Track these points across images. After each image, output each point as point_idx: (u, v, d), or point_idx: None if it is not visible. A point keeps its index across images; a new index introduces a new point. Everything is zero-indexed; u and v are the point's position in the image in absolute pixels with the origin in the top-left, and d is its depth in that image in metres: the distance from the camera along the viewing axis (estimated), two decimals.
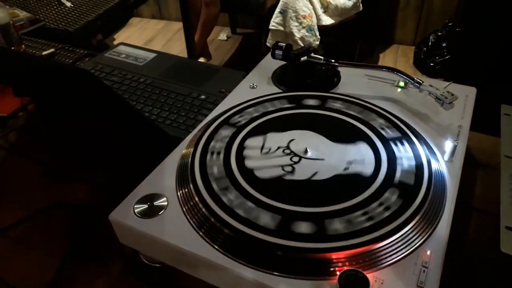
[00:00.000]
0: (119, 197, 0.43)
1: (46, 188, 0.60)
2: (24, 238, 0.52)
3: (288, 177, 0.43)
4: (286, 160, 0.46)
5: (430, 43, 2.04)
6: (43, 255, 0.50)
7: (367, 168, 0.44)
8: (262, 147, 0.47)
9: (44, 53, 0.86)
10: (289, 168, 0.44)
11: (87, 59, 0.82)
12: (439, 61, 1.98)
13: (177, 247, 0.38)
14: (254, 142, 0.48)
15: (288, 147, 0.47)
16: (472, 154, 0.58)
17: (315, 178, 0.43)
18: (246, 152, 0.47)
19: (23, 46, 0.89)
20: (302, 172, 0.44)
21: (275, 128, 0.50)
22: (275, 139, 0.48)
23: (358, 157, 0.45)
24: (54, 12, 1.25)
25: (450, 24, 2.00)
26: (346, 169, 0.44)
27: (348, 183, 0.43)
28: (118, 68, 0.75)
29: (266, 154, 0.46)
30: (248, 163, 0.45)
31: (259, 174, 0.44)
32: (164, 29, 2.71)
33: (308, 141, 0.48)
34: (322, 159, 0.45)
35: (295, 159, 0.46)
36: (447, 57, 1.96)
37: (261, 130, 0.50)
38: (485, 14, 1.07)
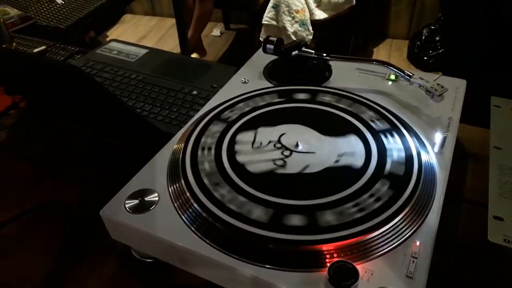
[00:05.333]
0: (111, 194, 0.43)
1: (38, 186, 0.59)
2: (16, 237, 0.52)
3: (279, 171, 0.44)
4: (277, 154, 0.46)
5: (423, 37, 2.04)
6: (36, 253, 0.50)
7: (358, 161, 0.44)
8: (253, 142, 0.47)
9: (35, 50, 0.86)
10: (280, 162, 0.45)
11: (78, 56, 0.82)
12: (433, 55, 1.99)
13: (169, 242, 0.39)
14: (245, 137, 0.48)
15: (279, 141, 0.47)
16: (462, 146, 0.58)
17: (306, 171, 0.43)
18: (237, 147, 0.47)
19: (14, 44, 0.89)
20: (293, 166, 0.44)
21: (266, 122, 0.50)
22: (266, 134, 0.49)
23: (349, 149, 0.46)
24: (45, 9, 1.24)
25: (443, 18, 2.01)
26: (337, 161, 0.44)
27: (338, 176, 0.43)
28: (109, 65, 0.74)
29: (258, 149, 0.46)
30: (240, 158, 0.45)
31: (251, 168, 0.44)
32: (157, 26, 2.69)
33: (298, 135, 0.48)
34: (313, 152, 0.46)
35: (286, 153, 0.46)
36: (440, 51, 1.97)
37: (252, 125, 0.50)
38: (469, 6, 1.08)
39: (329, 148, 0.46)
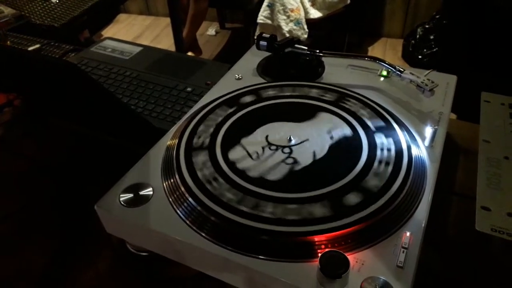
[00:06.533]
0: (105, 190, 0.43)
1: (33, 183, 0.60)
2: (12, 233, 0.52)
3: (296, 167, 0.44)
4: (280, 155, 0.45)
5: (418, 36, 2.06)
6: (33, 249, 0.50)
7: (348, 131, 0.46)
8: (250, 155, 0.45)
9: (30, 49, 0.86)
10: (290, 160, 0.44)
11: (73, 54, 0.82)
12: (427, 54, 2.00)
13: (165, 235, 0.39)
14: (236, 154, 0.46)
15: (270, 143, 0.47)
16: (453, 141, 0.59)
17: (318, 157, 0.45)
18: (240, 166, 0.44)
19: (8, 42, 0.89)
20: (304, 158, 0.45)
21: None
22: (253, 141, 0.47)
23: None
24: (39, 8, 1.24)
25: (437, 16, 2.02)
26: (331, 138, 0.46)
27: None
28: (104, 62, 0.75)
29: (259, 159, 0.45)
30: (252, 174, 0.43)
31: (270, 177, 0.43)
32: (152, 25, 2.69)
33: (286, 131, 0.49)
34: (307, 140, 0.47)
35: (286, 150, 0.46)
36: (435, 49, 1.98)
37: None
38: (467, 5, 1.09)
39: (321, 137, 0.47)
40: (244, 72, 0.61)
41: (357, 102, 0.53)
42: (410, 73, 0.53)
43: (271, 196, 0.41)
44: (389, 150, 0.45)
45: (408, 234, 0.37)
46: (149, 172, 0.45)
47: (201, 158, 0.45)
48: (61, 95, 0.59)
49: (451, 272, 0.44)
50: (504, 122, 0.51)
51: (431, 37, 2.01)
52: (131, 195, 0.42)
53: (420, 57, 2.02)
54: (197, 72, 0.71)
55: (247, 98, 0.54)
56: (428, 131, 0.47)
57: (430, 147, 0.47)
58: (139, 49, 0.79)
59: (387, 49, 2.28)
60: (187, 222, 0.40)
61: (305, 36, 1.77)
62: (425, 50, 2.02)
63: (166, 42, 2.42)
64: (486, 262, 0.45)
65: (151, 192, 0.43)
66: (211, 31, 2.51)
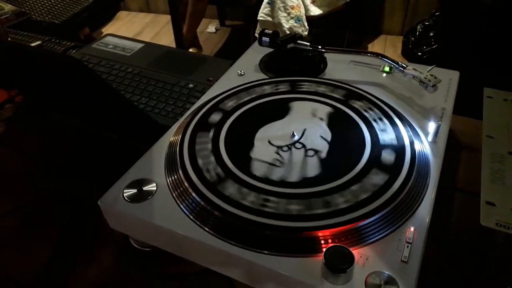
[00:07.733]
0: (107, 187, 0.43)
1: (35, 179, 0.60)
2: (15, 230, 0.52)
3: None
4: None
5: (417, 33, 2.05)
6: (35, 245, 0.50)
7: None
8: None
9: (31, 45, 0.85)
10: (311, 152, 0.45)
11: (74, 51, 0.82)
12: (427, 50, 2.00)
13: (169, 230, 0.39)
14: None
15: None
16: (455, 137, 0.59)
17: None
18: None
19: (9, 39, 0.88)
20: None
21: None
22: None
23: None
24: (40, 4, 1.24)
25: (437, 13, 2.02)
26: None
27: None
28: (105, 59, 0.74)
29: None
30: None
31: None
32: (152, 22, 2.69)
33: (296, 128, 0.49)
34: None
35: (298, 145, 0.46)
36: (434, 46, 1.98)
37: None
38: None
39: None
40: (246, 68, 0.61)
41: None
42: (413, 68, 0.53)
43: (275, 191, 0.41)
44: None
45: (412, 229, 0.37)
46: (152, 168, 0.45)
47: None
48: (64, 91, 0.59)
49: (455, 267, 0.44)
50: (508, 117, 0.51)
51: (431, 34, 2.00)
52: (134, 191, 0.42)
53: (419, 54, 2.02)
54: (199, 69, 0.71)
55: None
56: (431, 126, 0.47)
57: (433, 143, 0.47)
58: (140, 45, 0.79)
59: (386, 46, 2.28)
60: (191, 217, 0.40)
61: (306, 33, 1.76)
62: (424, 47, 2.01)
63: (167, 39, 2.41)
64: (489, 257, 0.45)
65: (155, 188, 0.43)
66: (211, 29, 2.51)
